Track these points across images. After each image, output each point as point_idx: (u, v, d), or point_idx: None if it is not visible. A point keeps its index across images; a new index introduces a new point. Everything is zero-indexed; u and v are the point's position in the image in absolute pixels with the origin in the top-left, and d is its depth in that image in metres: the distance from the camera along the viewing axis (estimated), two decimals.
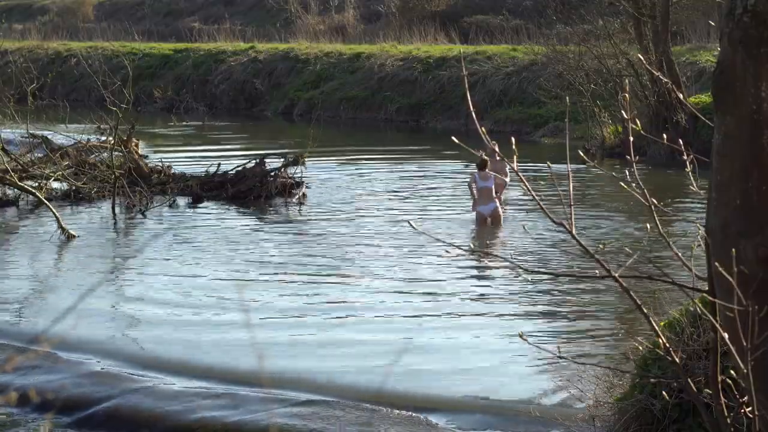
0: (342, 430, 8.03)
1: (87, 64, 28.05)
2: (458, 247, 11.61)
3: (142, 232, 15.89)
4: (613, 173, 5.95)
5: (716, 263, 3.65)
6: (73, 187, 17.97)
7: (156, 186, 18.14)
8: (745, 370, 3.51)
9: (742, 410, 3.85)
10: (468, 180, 15.82)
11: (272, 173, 18.15)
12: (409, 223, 4.51)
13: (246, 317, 11.20)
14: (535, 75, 27.55)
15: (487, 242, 14.49)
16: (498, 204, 15.25)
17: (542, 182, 16.96)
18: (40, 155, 19.12)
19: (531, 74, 28.04)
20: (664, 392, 6.33)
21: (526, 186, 4.04)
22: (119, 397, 8.98)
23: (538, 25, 30.24)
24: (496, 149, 4.27)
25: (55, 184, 18.34)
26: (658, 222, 4.11)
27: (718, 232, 3.71)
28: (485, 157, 14.82)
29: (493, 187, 15.19)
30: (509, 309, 11.19)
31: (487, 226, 15.17)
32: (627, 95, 5.12)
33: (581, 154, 4.50)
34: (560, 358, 4.84)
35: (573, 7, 25.38)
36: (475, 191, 15.33)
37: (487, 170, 15.17)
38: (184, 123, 30.51)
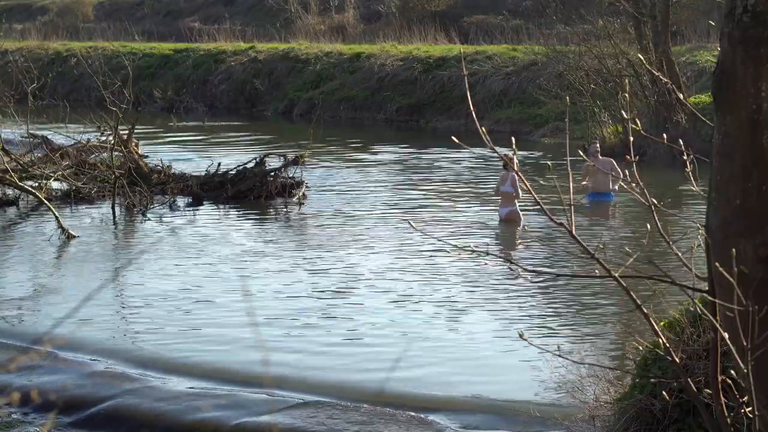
0: (342, 431, 8.03)
1: (87, 64, 28.10)
2: (458, 247, 11.61)
3: (142, 232, 15.90)
4: (613, 173, 5.95)
5: (716, 263, 3.65)
6: (73, 187, 17.97)
7: (156, 186, 18.15)
8: (745, 370, 3.51)
9: (742, 410, 3.86)
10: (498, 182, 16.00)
11: (272, 173, 18.16)
12: (408, 223, 4.51)
13: (246, 317, 11.21)
14: (535, 75, 27.52)
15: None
16: (516, 206, 15.33)
17: (542, 181, 16.95)
18: (40, 155, 19.12)
19: (531, 74, 28.02)
20: (664, 392, 6.33)
21: (526, 185, 4.04)
22: (120, 397, 8.99)
23: (538, 25, 30.23)
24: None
25: (55, 184, 18.33)
26: (658, 222, 4.11)
27: (718, 232, 3.71)
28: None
29: (511, 190, 15.24)
30: (509, 309, 11.20)
31: (505, 224, 15.39)
32: (627, 95, 5.14)
33: (581, 153, 4.50)
34: (560, 357, 4.85)
35: (573, 7, 25.37)
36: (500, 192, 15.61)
37: (507, 172, 15.23)
38: (184, 123, 30.50)
